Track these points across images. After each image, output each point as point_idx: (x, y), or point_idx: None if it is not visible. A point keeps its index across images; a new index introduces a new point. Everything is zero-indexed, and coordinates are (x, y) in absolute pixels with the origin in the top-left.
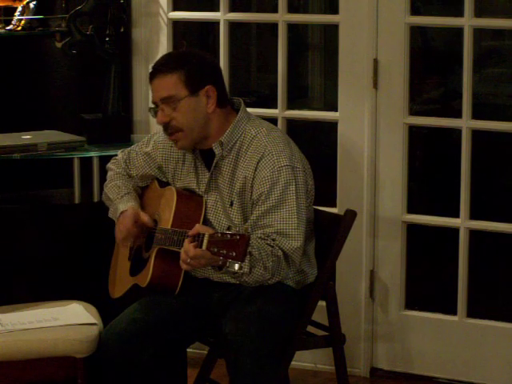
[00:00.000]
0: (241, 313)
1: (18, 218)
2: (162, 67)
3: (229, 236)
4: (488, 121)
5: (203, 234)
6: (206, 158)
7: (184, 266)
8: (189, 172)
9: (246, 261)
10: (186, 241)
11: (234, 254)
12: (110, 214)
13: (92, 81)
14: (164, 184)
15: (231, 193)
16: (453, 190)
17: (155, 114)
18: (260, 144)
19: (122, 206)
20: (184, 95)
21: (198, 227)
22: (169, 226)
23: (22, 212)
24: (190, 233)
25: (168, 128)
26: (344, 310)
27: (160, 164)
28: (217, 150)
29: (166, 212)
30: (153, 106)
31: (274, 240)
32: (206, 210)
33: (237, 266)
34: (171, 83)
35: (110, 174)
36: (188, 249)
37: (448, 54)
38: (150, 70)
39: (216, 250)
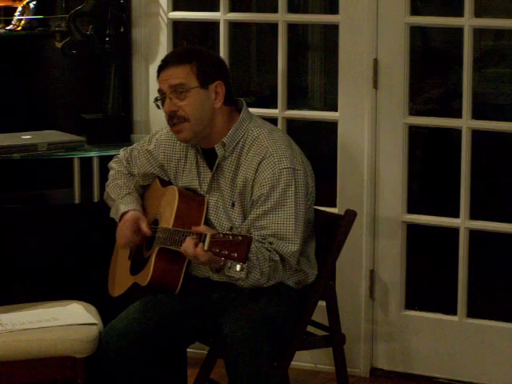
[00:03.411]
0: (241, 313)
1: (18, 218)
2: (174, 58)
3: (231, 237)
4: (488, 121)
5: (205, 234)
6: (208, 157)
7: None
8: (191, 171)
9: (244, 266)
10: (188, 238)
11: (236, 254)
12: (112, 214)
13: (92, 81)
14: (166, 183)
15: (233, 194)
16: (453, 189)
17: (162, 104)
18: (261, 145)
19: (123, 207)
20: (194, 86)
21: (201, 227)
22: (170, 226)
23: (22, 212)
24: (194, 229)
25: (174, 117)
26: (344, 310)
27: (162, 163)
28: (219, 151)
29: (168, 211)
30: (159, 96)
31: (271, 243)
32: (207, 210)
33: (238, 267)
34: (183, 73)
35: (111, 172)
36: (189, 247)
37: (448, 54)
38: (160, 63)
39: (218, 250)
